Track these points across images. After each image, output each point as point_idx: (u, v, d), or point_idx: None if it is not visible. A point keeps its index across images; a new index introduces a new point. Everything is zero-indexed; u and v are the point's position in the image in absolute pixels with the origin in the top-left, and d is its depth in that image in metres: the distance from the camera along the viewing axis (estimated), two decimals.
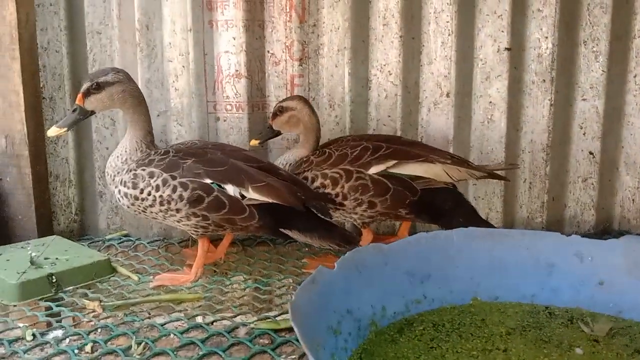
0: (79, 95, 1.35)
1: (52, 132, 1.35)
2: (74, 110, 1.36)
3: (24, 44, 1.55)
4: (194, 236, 1.42)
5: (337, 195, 1.42)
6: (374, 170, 1.40)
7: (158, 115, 1.65)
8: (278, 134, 1.56)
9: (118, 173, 1.38)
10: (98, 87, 1.35)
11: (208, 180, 1.30)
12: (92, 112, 1.38)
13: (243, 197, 1.31)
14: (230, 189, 1.30)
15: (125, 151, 1.39)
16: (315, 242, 1.36)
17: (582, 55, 1.65)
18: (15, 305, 1.24)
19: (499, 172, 1.49)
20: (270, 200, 1.30)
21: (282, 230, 1.36)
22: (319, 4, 1.63)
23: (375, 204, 1.41)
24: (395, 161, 1.40)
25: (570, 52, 1.65)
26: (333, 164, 1.43)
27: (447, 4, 1.60)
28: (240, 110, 1.64)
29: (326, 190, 1.42)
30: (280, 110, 1.51)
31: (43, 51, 1.64)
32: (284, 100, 1.54)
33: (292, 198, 1.30)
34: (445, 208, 1.44)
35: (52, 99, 1.66)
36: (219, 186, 1.30)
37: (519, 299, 1.14)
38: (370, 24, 1.64)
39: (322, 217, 1.41)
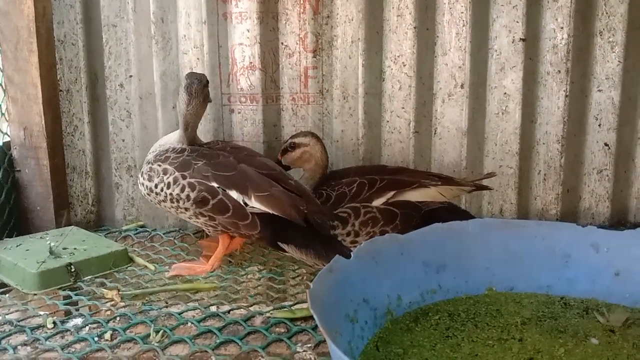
0: None
1: None
2: None
3: (41, 37, 1.57)
4: (208, 233, 1.43)
5: (348, 234, 1.39)
6: (375, 203, 1.38)
7: (173, 108, 1.66)
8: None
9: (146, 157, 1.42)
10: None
11: (214, 184, 1.30)
12: None
13: (246, 204, 1.29)
14: (234, 195, 1.29)
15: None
16: (309, 260, 1.30)
17: (598, 46, 1.63)
18: (35, 294, 1.27)
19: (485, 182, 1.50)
20: (271, 211, 1.28)
21: (279, 244, 1.32)
22: None
23: (387, 233, 1.37)
24: (394, 191, 1.39)
25: (586, 42, 1.63)
26: (335, 204, 1.40)
27: None
28: (254, 102, 1.65)
29: (337, 232, 1.38)
30: (292, 146, 1.49)
31: (60, 44, 1.65)
32: (295, 136, 1.51)
33: (292, 211, 1.26)
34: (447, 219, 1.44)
35: (68, 91, 1.68)
36: (224, 190, 1.30)
37: (535, 290, 1.14)
38: (384, 15, 1.64)
39: (321, 232, 1.31)
